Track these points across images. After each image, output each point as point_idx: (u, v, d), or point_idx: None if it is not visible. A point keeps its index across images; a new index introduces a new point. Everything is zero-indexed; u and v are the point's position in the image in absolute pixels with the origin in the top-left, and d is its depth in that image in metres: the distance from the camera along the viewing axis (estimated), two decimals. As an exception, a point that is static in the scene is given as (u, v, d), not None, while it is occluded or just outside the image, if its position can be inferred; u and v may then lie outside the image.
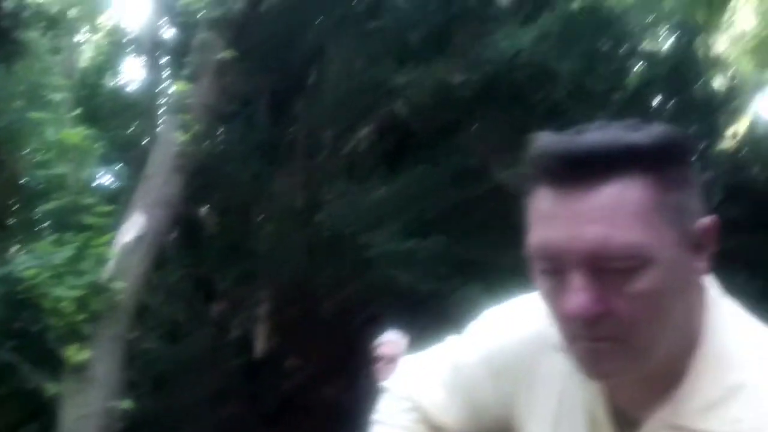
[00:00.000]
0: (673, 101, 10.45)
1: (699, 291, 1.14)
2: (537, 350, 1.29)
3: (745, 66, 13.35)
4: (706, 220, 1.08)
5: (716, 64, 11.83)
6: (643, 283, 1.03)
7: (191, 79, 8.37)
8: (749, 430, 1.07)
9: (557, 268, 1.05)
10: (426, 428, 1.50)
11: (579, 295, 1.03)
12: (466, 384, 1.43)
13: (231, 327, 9.32)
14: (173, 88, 7.99)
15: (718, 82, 11.80)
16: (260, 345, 9.25)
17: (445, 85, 9.60)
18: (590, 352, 1.08)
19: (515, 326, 1.36)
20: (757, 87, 12.84)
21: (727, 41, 14.18)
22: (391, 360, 5.84)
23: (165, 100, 9.16)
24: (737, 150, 11.01)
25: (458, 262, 8.79)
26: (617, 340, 1.05)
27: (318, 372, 8.95)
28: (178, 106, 8.23)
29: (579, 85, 9.76)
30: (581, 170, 1.03)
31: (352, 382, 6.42)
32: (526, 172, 1.09)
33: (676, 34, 11.22)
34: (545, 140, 1.08)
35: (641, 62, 10.90)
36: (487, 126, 9.69)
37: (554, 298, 1.08)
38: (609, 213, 1.02)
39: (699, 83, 10.61)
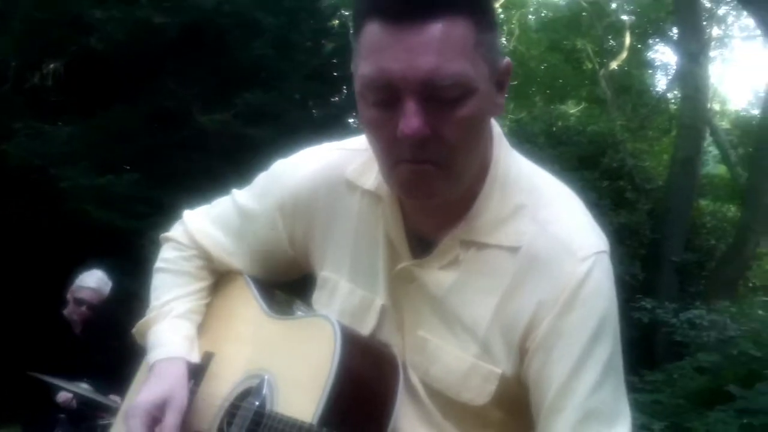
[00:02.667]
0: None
1: (490, 125, 1.32)
2: (330, 190, 1.41)
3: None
4: (506, 61, 1.25)
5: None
6: (466, 110, 1.16)
7: None
8: (529, 239, 1.27)
9: (391, 97, 1.14)
10: (209, 273, 1.58)
11: (412, 118, 1.13)
12: (256, 229, 1.50)
13: None
14: None
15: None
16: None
17: (145, 24, 9.19)
18: (414, 174, 1.19)
19: (306, 171, 1.45)
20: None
21: None
22: (90, 303, 5.40)
23: None
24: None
25: (156, 203, 8.41)
26: (439, 163, 1.18)
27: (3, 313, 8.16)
28: None
29: (283, 39, 9.78)
30: (411, 7, 1.12)
31: (42, 325, 5.88)
32: (357, 8, 1.17)
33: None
34: None
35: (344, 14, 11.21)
36: (190, 72, 9.40)
37: (384, 126, 1.17)
38: (439, 46, 1.12)
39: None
